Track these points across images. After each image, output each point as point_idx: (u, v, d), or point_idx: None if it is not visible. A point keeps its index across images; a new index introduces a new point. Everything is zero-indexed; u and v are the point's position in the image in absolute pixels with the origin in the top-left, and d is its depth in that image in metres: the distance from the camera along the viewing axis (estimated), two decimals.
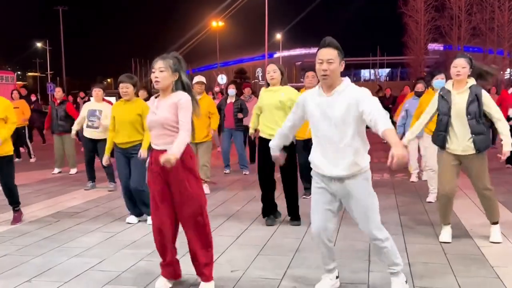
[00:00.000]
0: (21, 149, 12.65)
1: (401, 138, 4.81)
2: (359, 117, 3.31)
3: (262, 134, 5.71)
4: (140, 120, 5.77)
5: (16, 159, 12.21)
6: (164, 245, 3.84)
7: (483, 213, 6.04)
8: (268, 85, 5.70)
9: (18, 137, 12.24)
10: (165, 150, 3.61)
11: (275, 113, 5.53)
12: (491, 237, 4.97)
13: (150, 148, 3.90)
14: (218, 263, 4.39)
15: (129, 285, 3.93)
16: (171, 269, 3.88)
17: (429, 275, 4.05)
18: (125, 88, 5.83)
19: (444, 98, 4.90)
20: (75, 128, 8.39)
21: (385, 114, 3.20)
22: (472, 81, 4.86)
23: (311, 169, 3.63)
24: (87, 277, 4.14)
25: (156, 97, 3.86)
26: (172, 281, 3.89)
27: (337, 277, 3.80)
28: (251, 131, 6.16)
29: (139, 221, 5.95)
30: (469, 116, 4.77)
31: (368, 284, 3.89)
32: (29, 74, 79.27)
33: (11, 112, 5.85)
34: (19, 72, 63.30)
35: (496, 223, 5.03)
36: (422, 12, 48.60)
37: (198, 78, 7.55)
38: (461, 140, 4.82)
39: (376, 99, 3.30)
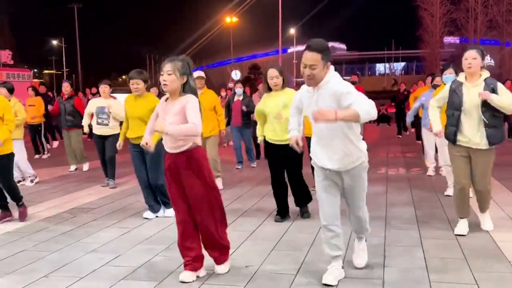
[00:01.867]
0: (54, 143, 12.82)
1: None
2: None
3: (268, 139, 5.67)
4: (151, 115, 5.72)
5: (36, 156, 12.36)
6: (186, 245, 3.92)
7: (501, 208, 5.99)
8: (269, 89, 5.57)
9: (35, 134, 12.38)
10: (176, 154, 3.77)
11: (278, 120, 5.47)
12: (485, 226, 5.12)
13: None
14: (232, 259, 4.39)
15: (144, 280, 3.95)
16: (197, 264, 3.95)
17: (445, 270, 4.02)
18: (136, 84, 5.81)
19: (456, 92, 4.82)
20: (86, 123, 8.40)
21: (368, 103, 3.28)
22: (486, 73, 4.77)
23: None
24: (103, 272, 4.18)
25: (166, 99, 3.88)
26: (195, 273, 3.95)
27: (342, 267, 3.89)
28: (260, 139, 5.91)
29: (156, 216, 5.97)
30: (483, 109, 4.69)
31: (383, 279, 3.87)
32: (45, 71, 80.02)
33: (8, 111, 5.79)
34: (35, 70, 63.88)
35: (483, 212, 5.19)
36: (437, 5, 48.02)
37: (198, 73, 7.55)
38: (473, 133, 4.77)
39: (359, 93, 3.38)
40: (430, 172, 8.56)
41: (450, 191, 6.76)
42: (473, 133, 4.77)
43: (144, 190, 5.99)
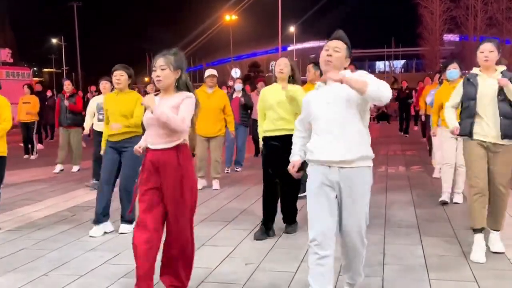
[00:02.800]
0: (39, 146, 12.76)
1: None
2: (361, 101, 3.17)
3: (265, 133, 5.24)
4: (133, 112, 5.37)
5: (26, 156, 12.32)
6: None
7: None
8: (275, 79, 5.26)
9: (27, 132, 12.29)
10: (163, 149, 3.47)
11: (278, 111, 5.12)
12: (494, 247, 4.42)
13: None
14: (232, 257, 4.40)
15: None
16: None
17: (444, 267, 4.02)
18: (119, 75, 5.43)
19: (470, 81, 4.51)
20: (88, 124, 8.23)
21: (381, 81, 3.07)
22: (502, 67, 4.50)
23: None
24: (103, 270, 4.18)
25: (156, 95, 3.63)
26: None
27: None
28: (261, 142, 5.38)
29: (104, 233, 5.34)
30: (499, 97, 4.35)
31: (382, 277, 3.87)
32: (45, 70, 79.93)
33: (7, 110, 5.61)
34: (35, 68, 63.84)
35: (497, 230, 4.51)
36: (437, 2, 47.94)
37: (210, 71, 7.53)
38: (489, 125, 4.36)
39: (372, 76, 3.15)
40: (436, 174, 8.14)
41: (458, 198, 6.38)
42: (490, 125, 4.36)
43: (104, 192, 5.39)
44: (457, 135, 4.64)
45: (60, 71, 67.38)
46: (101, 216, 5.33)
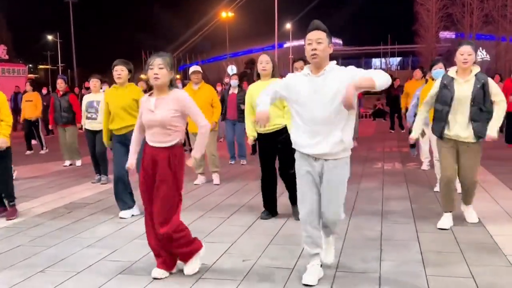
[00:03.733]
0: (33, 142, 12.75)
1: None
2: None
3: (257, 130, 5.50)
4: (135, 105, 5.57)
5: (27, 152, 12.33)
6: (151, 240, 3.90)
7: (496, 202, 6.02)
8: (258, 76, 5.47)
9: (30, 130, 12.36)
10: (164, 148, 3.75)
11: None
12: (471, 219, 5.18)
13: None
14: (229, 253, 4.41)
15: (141, 275, 3.95)
16: (166, 263, 3.93)
17: (441, 263, 4.03)
18: (120, 70, 5.69)
19: (447, 87, 4.85)
20: (84, 122, 8.28)
21: (378, 71, 3.35)
22: (477, 69, 4.84)
23: None
24: (100, 267, 4.17)
25: (149, 95, 3.87)
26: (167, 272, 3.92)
27: (320, 266, 3.79)
28: (250, 138, 5.70)
29: (132, 215, 5.83)
30: (472, 103, 4.76)
31: (380, 272, 3.88)
32: (41, 66, 79.60)
33: (5, 106, 5.67)
34: (30, 65, 63.57)
35: (470, 204, 5.23)
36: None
37: (194, 67, 7.52)
38: (461, 128, 4.84)
39: (362, 70, 3.40)
40: (424, 166, 8.61)
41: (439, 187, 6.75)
42: (461, 128, 4.84)
43: (118, 184, 5.78)
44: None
45: (55, 67, 67.13)
46: (127, 201, 5.80)
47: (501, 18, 43.86)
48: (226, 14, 49.87)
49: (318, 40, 3.43)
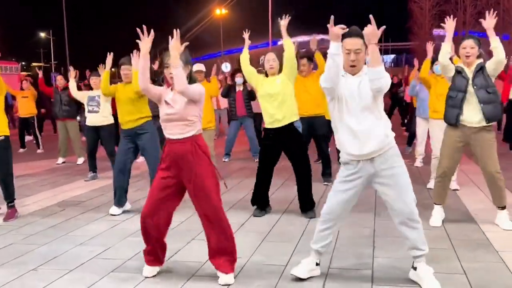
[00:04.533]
0: (28, 138, 12.67)
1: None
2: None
3: (265, 125, 5.57)
4: (136, 97, 5.70)
5: (21, 149, 12.26)
6: (151, 234, 3.81)
7: (489, 199, 6.03)
8: (266, 74, 5.53)
9: (25, 127, 12.27)
10: (183, 139, 3.65)
11: (275, 102, 5.37)
12: (503, 225, 4.88)
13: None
14: None
15: (134, 272, 3.94)
16: (153, 257, 3.89)
17: (434, 260, 4.04)
18: (127, 70, 5.76)
19: (462, 74, 4.83)
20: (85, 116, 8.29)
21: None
22: (480, 62, 4.84)
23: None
24: (92, 265, 4.16)
25: (171, 89, 3.76)
26: (157, 267, 3.91)
27: (317, 264, 3.79)
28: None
29: (122, 212, 5.86)
30: (475, 87, 4.74)
31: (372, 269, 3.89)
32: (34, 64, 79.25)
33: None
34: (23, 63, 63.21)
35: (503, 208, 4.98)
36: None
37: (197, 66, 7.51)
38: (474, 114, 4.78)
39: None
40: (418, 163, 8.64)
41: (432, 184, 6.62)
42: (475, 113, 4.78)
43: (119, 176, 5.77)
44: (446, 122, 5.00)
45: (48, 65, 66.80)
46: (123, 199, 5.83)
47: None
48: (220, 11, 49.74)
49: (356, 50, 3.38)
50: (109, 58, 6.26)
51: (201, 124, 3.80)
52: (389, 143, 3.48)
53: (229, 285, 3.66)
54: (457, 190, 6.59)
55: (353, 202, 3.67)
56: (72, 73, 8.38)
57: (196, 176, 3.66)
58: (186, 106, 3.65)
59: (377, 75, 3.27)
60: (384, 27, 3.22)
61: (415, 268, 3.62)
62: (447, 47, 4.88)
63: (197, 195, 3.71)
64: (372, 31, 3.20)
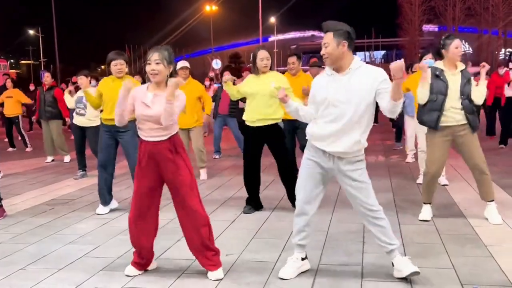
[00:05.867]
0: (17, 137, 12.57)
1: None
2: (373, 97, 3.45)
3: (247, 122, 5.52)
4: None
5: (10, 149, 12.17)
6: (142, 241, 3.81)
7: (477, 193, 6.07)
8: (257, 71, 5.48)
9: (11, 127, 12.17)
10: (159, 142, 3.62)
11: (268, 101, 5.37)
12: (492, 219, 4.92)
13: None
14: None
15: (123, 271, 3.90)
16: (143, 263, 3.88)
17: (423, 255, 4.06)
18: (120, 65, 5.57)
19: (440, 77, 4.88)
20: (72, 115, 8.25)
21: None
22: (462, 65, 4.96)
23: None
24: (81, 263, 4.13)
25: (147, 89, 3.71)
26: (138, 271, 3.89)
27: (302, 259, 3.79)
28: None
29: (110, 210, 5.84)
30: (462, 97, 4.84)
31: (362, 265, 3.90)
32: (23, 62, 78.61)
33: None
34: (12, 60, 62.72)
35: (491, 201, 5.03)
36: None
37: (182, 63, 7.46)
38: (457, 114, 4.85)
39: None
40: (409, 159, 8.69)
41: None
42: (456, 113, 4.85)
43: (102, 174, 5.73)
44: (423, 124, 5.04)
45: (38, 63, 66.36)
46: (107, 197, 5.78)
47: (483, 11, 44.27)
48: (210, 8, 49.61)
49: (325, 45, 3.48)
50: (81, 79, 6.34)
51: (177, 125, 3.77)
52: (359, 151, 3.54)
53: (221, 279, 3.67)
54: (446, 185, 6.62)
55: (318, 184, 3.64)
56: (68, 89, 8.47)
57: (174, 172, 3.67)
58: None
59: (396, 108, 3.37)
60: (402, 61, 3.26)
61: (393, 265, 3.63)
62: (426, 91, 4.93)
63: (175, 191, 3.71)
64: (397, 67, 3.22)
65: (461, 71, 4.91)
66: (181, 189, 3.68)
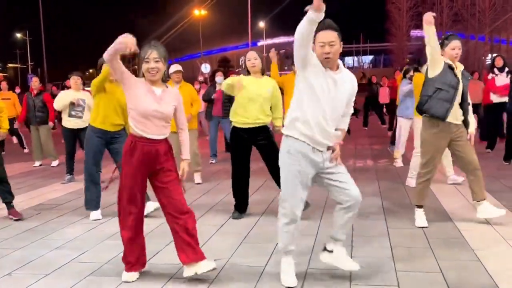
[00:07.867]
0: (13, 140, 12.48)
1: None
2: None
3: (236, 124, 5.47)
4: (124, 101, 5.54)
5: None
6: (139, 243, 3.85)
7: (464, 197, 6.12)
8: (248, 72, 5.49)
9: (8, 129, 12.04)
10: (158, 141, 3.66)
11: (264, 104, 5.37)
12: (494, 212, 4.95)
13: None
14: None
15: (111, 276, 3.90)
16: (141, 263, 3.91)
17: (410, 259, 4.08)
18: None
19: (452, 71, 4.79)
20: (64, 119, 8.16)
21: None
22: (461, 66, 4.90)
23: None
24: (68, 269, 4.10)
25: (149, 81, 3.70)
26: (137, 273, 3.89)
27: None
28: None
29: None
30: (464, 97, 4.84)
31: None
32: (10, 65, 78.00)
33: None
34: None
35: (484, 199, 5.02)
36: None
37: (176, 67, 7.44)
38: (458, 113, 4.84)
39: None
40: (400, 163, 8.64)
41: (412, 182, 6.63)
42: (459, 112, 4.85)
43: (91, 182, 5.66)
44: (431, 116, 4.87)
45: (25, 66, 65.89)
46: (96, 202, 5.72)
47: (470, 17, 44.73)
48: (199, 12, 49.60)
49: (331, 43, 3.36)
50: (78, 80, 6.56)
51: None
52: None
53: (215, 268, 3.72)
54: (458, 184, 6.88)
55: (306, 187, 3.56)
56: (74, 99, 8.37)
57: (166, 171, 3.72)
58: (170, 106, 3.71)
59: None
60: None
61: (330, 251, 3.74)
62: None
63: (164, 189, 3.72)
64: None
65: (462, 72, 4.85)
66: (168, 183, 3.72)
